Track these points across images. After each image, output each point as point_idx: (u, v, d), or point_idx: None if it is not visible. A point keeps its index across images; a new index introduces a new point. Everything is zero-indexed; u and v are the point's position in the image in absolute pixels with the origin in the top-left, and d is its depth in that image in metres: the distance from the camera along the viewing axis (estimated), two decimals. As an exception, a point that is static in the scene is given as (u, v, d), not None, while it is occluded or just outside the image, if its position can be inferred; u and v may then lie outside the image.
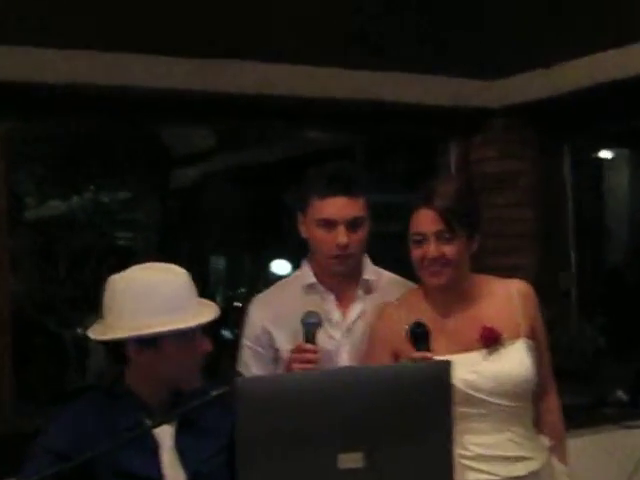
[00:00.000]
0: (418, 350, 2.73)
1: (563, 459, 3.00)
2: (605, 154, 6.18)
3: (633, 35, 4.24)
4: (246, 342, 3.15)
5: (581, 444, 4.01)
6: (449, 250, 2.84)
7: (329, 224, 2.99)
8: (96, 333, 2.66)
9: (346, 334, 3.08)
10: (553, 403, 3.06)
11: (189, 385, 2.65)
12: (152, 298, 2.61)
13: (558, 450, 3.00)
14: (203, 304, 2.71)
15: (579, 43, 4.50)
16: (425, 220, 2.85)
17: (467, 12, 4.86)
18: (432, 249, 2.83)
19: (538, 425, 3.00)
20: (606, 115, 4.92)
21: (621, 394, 4.57)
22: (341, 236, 2.97)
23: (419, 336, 2.75)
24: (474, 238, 2.92)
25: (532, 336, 2.95)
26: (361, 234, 3.03)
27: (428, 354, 2.70)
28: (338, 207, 2.98)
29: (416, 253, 2.88)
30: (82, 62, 3.91)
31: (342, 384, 2.14)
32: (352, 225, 2.99)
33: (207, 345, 2.65)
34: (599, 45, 4.40)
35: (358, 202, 3.01)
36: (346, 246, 2.98)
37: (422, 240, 2.85)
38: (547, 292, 4.91)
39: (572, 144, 5.26)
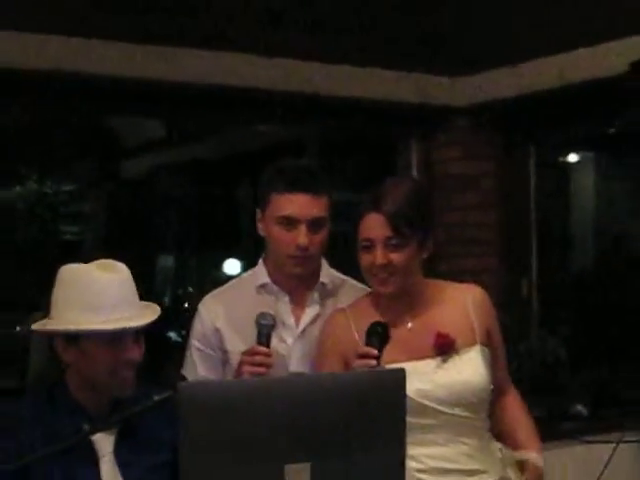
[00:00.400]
0: (366, 345, 2.72)
1: (538, 451, 2.98)
2: (572, 157, 6.22)
3: (607, 33, 4.27)
4: (194, 342, 3.12)
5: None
6: (397, 257, 2.81)
7: (289, 222, 2.95)
8: (37, 325, 2.65)
9: (299, 339, 3.06)
10: (513, 400, 3.06)
11: (120, 393, 2.62)
12: (84, 293, 2.58)
13: (531, 442, 3.00)
14: (144, 307, 2.68)
15: (550, 40, 4.53)
16: (373, 225, 2.82)
17: (433, 5, 4.87)
18: (379, 256, 2.81)
19: (496, 428, 3.00)
20: (575, 117, 4.95)
21: (581, 408, 4.60)
22: (302, 236, 2.93)
23: (372, 333, 2.75)
24: (426, 244, 2.90)
25: (488, 342, 2.95)
26: (322, 235, 3.00)
27: (373, 351, 2.69)
28: (300, 205, 2.94)
29: (364, 260, 2.85)
30: (24, 44, 3.87)
31: (291, 392, 2.14)
32: (314, 225, 2.95)
33: (135, 354, 2.61)
34: (571, 43, 4.43)
35: (321, 201, 2.97)
36: (306, 247, 2.94)
37: (370, 246, 2.82)
38: (508, 299, 4.95)
39: (538, 146, 5.29)
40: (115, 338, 2.57)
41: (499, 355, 3.03)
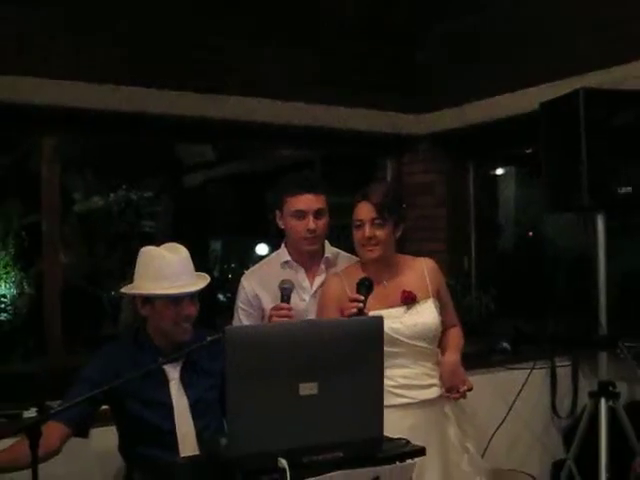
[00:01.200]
0: (357, 293, 2.76)
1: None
2: (499, 171, 6.19)
3: (522, 83, 4.26)
4: (240, 305, 3.13)
5: (476, 382, 4.01)
6: (380, 233, 2.87)
7: (301, 214, 2.99)
8: (124, 290, 2.67)
9: (312, 297, 3.08)
10: (454, 328, 3.11)
11: (181, 338, 2.63)
12: (155, 267, 2.60)
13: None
14: (198, 276, 2.69)
15: (483, 88, 4.52)
16: (363, 210, 2.89)
17: (403, 65, 4.86)
18: (367, 231, 2.87)
19: (443, 343, 3.04)
20: (501, 142, 4.94)
21: (505, 345, 4.60)
22: (310, 223, 2.98)
23: (361, 285, 2.79)
24: (399, 226, 2.96)
25: (438, 296, 3.01)
26: (323, 221, 3.04)
27: (360, 297, 2.73)
28: (307, 201, 2.98)
29: (356, 235, 2.91)
30: (120, 95, 3.87)
31: (304, 332, 2.15)
32: (317, 214, 3.00)
33: (191, 310, 2.63)
34: (497, 90, 4.42)
35: (321, 198, 3.02)
36: (314, 230, 2.99)
37: (360, 225, 2.89)
38: (454, 270, 4.95)
39: (475, 163, 5.27)
40: (177, 299, 2.59)
41: (448, 306, 3.09)
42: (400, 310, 2.89)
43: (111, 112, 3.87)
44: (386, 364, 2.55)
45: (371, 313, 2.71)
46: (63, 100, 3.72)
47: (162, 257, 2.61)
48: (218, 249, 7.80)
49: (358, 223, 2.90)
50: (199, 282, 2.66)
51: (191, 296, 2.63)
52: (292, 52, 4.42)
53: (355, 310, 2.69)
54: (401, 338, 2.83)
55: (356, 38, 4.69)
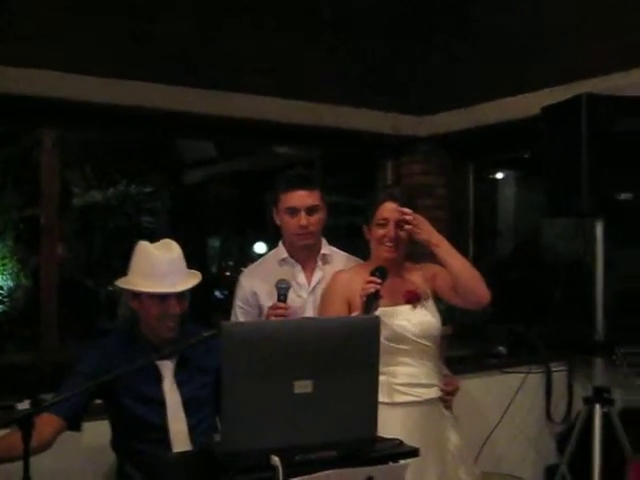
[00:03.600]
0: (371, 275, 2.77)
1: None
2: (499, 175, 6.19)
3: (523, 87, 4.26)
4: (238, 303, 3.14)
5: (472, 385, 4.03)
6: (402, 233, 2.89)
7: (293, 211, 3.00)
8: (118, 282, 2.68)
9: (310, 294, 3.08)
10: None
11: (165, 335, 2.64)
12: (144, 265, 2.62)
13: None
14: (189, 274, 2.69)
15: (485, 91, 4.52)
16: (390, 210, 2.89)
17: (406, 68, 4.85)
18: (391, 231, 2.87)
19: None
20: (502, 145, 4.94)
21: (502, 349, 4.60)
22: (302, 219, 2.98)
23: (376, 270, 2.80)
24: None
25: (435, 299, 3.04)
26: (317, 217, 3.04)
27: (377, 280, 2.74)
28: (298, 198, 2.98)
29: (379, 233, 2.91)
30: (123, 89, 3.85)
31: (300, 330, 2.13)
32: (310, 210, 3.00)
33: (176, 309, 2.63)
34: (499, 93, 4.42)
35: (314, 194, 3.01)
36: (306, 226, 2.99)
37: (385, 224, 2.89)
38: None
39: (475, 166, 5.27)
40: (163, 297, 2.59)
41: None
42: (407, 308, 2.92)
43: (113, 106, 3.86)
44: (391, 361, 2.58)
45: (380, 309, 2.72)
46: (65, 93, 3.71)
47: (152, 255, 2.62)
48: (217, 246, 7.80)
49: (382, 222, 2.90)
50: (188, 281, 2.66)
51: (178, 295, 2.63)
52: (295, 51, 4.42)
53: (372, 290, 2.69)
54: (409, 336, 2.86)
55: (359, 38, 4.68)
